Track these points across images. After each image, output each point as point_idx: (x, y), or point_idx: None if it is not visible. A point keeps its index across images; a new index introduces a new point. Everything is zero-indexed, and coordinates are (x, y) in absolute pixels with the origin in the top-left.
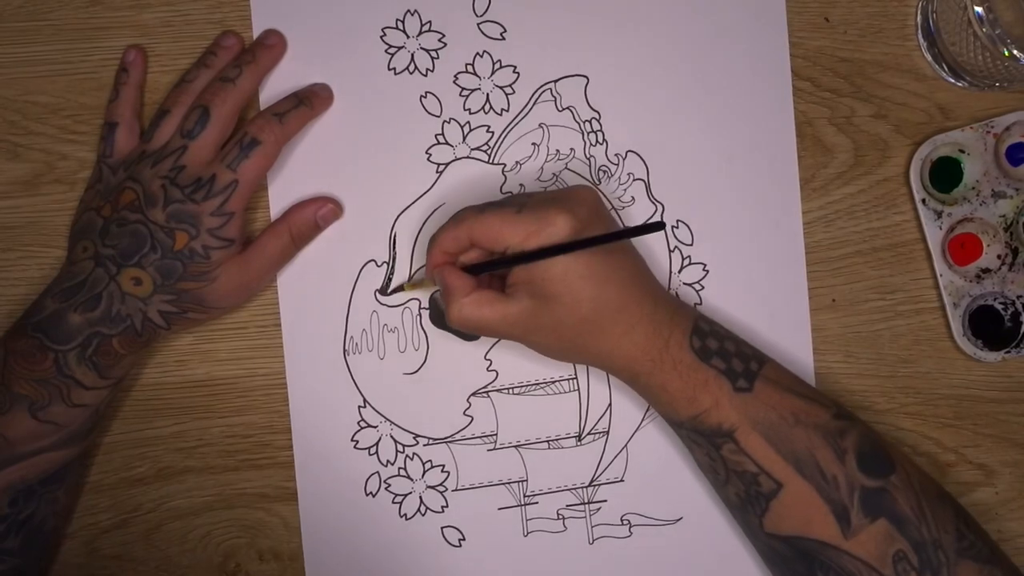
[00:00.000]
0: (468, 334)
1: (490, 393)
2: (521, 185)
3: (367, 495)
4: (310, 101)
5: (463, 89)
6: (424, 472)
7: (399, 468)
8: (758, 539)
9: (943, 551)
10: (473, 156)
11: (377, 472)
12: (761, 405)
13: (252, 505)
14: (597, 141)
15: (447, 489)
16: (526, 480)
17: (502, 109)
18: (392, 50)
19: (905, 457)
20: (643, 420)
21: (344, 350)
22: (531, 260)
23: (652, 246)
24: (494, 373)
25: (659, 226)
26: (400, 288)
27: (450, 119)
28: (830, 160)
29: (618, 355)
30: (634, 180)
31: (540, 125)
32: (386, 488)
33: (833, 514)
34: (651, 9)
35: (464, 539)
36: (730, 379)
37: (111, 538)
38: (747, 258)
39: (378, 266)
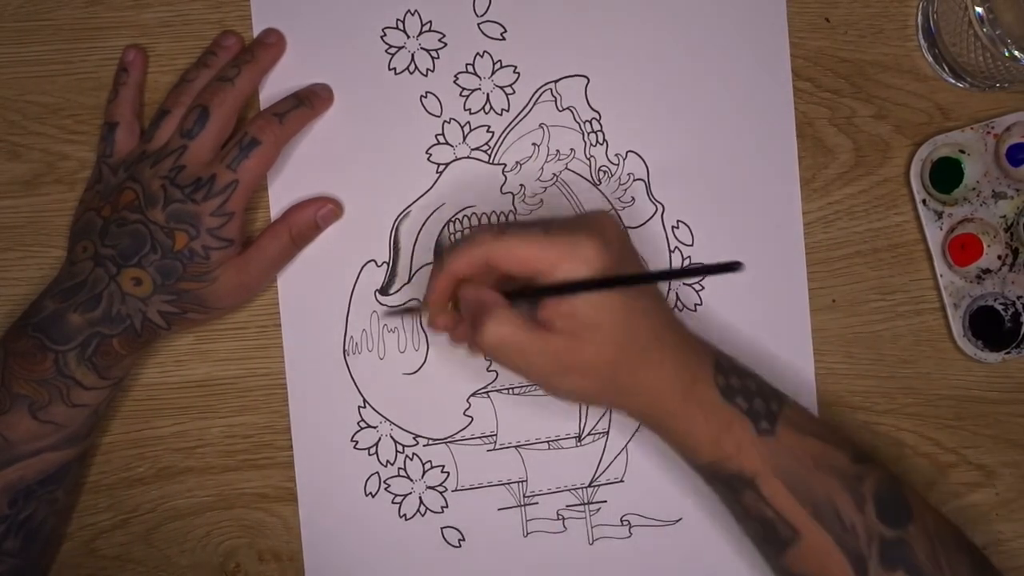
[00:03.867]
0: None
1: (490, 393)
2: (521, 185)
3: (367, 495)
4: (310, 101)
5: (463, 89)
6: (424, 472)
7: (399, 468)
8: (776, 571)
9: None
10: (473, 156)
11: (377, 472)
12: (783, 450)
13: (252, 505)
14: (597, 141)
15: (447, 489)
16: (526, 480)
17: (502, 109)
18: (392, 50)
19: (922, 501)
20: None
21: (344, 350)
22: (573, 291)
23: (653, 246)
24: (494, 373)
25: (733, 266)
26: (407, 309)
27: (450, 119)
28: (830, 160)
29: (647, 391)
30: (634, 180)
31: (540, 125)
32: (386, 488)
33: (851, 565)
34: (651, 9)
35: (464, 539)
36: (753, 420)
37: (111, 538)
38: (747, 258)
39: (378, 266)
